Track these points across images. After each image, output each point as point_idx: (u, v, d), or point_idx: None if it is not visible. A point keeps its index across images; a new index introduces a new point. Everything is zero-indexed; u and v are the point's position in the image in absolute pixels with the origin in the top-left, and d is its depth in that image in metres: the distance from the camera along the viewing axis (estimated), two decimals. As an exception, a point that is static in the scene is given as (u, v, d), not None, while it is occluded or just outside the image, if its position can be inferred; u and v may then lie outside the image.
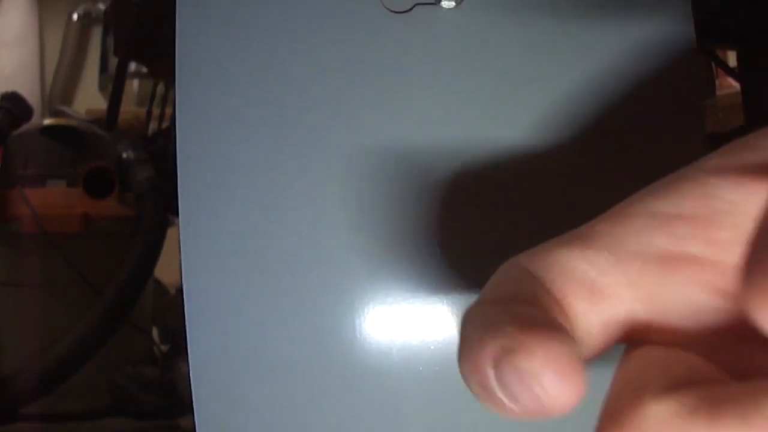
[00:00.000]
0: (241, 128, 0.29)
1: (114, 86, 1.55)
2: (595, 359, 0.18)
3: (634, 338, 0.18)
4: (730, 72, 0.77)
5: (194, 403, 0.29)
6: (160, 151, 1.41)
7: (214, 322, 0.29)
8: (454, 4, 0.29)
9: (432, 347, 0.29)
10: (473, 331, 0.16)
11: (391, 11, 0.29)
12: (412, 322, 0.29)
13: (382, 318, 0.29)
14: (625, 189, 0.31)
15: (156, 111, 1.64)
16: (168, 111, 1.62)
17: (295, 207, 0.29)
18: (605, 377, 0.17)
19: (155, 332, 1.51)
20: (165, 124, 1.61)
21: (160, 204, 1.22)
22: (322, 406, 0.29)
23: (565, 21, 0.30)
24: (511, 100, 0.30)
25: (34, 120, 1.44)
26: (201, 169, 0.29)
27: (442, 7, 0.29)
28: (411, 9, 0.30)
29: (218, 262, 0.29)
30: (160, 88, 1.65)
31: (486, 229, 0.30)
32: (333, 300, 0.29)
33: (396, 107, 0.30)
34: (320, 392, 0.29)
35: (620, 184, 0.32)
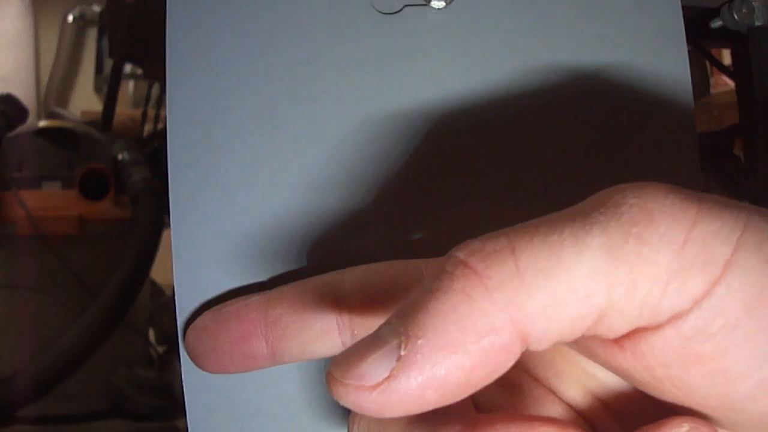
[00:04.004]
0: (232, 129, 0.29)
1: (109, 88, 1.55)
2: None
3: None
4: (724, 70, 0.77)
5: (186, 405, 0.29)
6: (156, 152, 1.40)
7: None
8: (444, 4, 0.29)
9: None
10: None
11: (381, 12, 0.29)
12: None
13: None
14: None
15: (151, 112, 1.64)
16: (163, 113, 1.61)
17: (288, 208, 0.29)
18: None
19: (151, 334, 1.51)
20: (160, 126, 1.61)
21: (155, 205, 1.21)
22: (318, 409, 0.29)
23: (555, 21, 0.30)
24: (502, 100, 0.30)
25: (30, 122, 1.44)
26: (192, 169, 0.29)
27: (431, 8, 0.29)
28: (401, 10, 0.29)
29: (210, 263, 0.29)
30: (156, 89, 1.65)
31: (482, 228, 0.30)
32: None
33: (386, 108, 0.30)
34: (316, 395, 0.29)
35: (611, 183, 0.32)
